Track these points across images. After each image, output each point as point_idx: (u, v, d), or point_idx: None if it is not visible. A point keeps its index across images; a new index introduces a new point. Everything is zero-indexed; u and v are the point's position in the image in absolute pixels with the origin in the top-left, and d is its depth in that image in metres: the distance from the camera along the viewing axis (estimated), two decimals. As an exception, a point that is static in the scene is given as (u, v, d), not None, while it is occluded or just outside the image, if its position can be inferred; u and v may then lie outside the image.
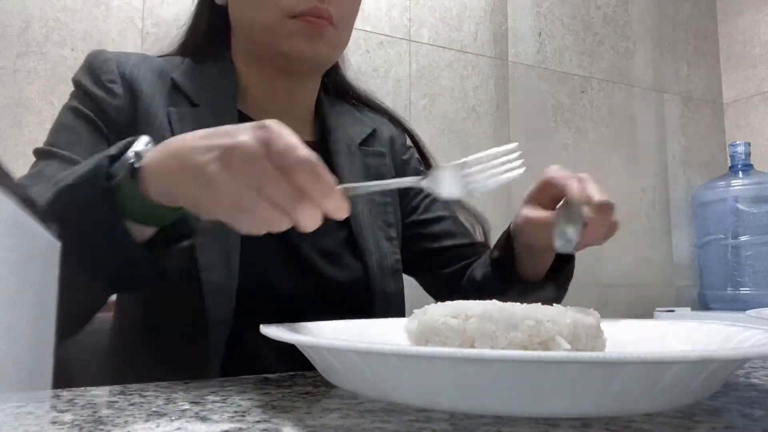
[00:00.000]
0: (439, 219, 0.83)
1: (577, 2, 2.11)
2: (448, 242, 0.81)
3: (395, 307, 0.74)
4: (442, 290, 0.81)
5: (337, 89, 0.84)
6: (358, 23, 1.73)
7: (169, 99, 0.68)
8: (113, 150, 0.47)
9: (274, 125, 0.40)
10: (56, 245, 0.32)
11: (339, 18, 0.68)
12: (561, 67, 2.04)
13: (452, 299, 0.77)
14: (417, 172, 0.84)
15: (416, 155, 0.87)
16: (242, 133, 0.40)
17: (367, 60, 1.68)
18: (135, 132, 0.65)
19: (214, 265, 0.61)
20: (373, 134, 0.81)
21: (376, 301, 0.70)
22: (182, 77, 0.70)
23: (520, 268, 0.69)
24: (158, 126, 0.66)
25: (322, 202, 0.40)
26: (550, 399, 0.29)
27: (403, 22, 1.79)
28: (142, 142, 0.48)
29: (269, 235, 0.67)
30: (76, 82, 0.69)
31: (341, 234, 0.72)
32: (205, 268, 0.61)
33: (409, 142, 0.87)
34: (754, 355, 0.30)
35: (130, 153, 0.47)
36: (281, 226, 0.41)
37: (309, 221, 0.41)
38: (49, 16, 1.37)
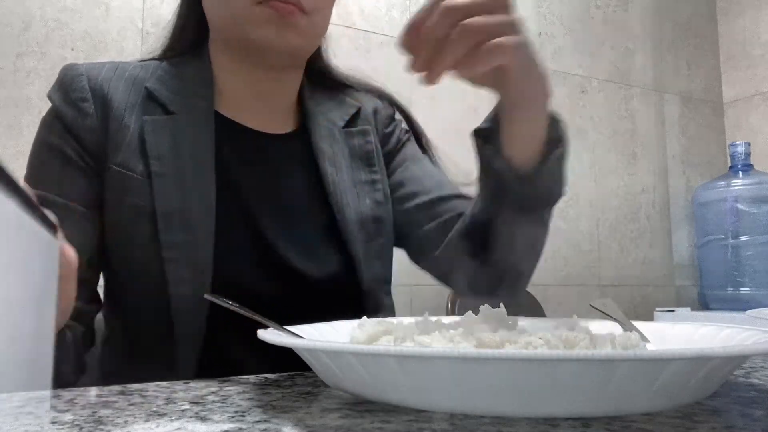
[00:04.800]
0: (403, 180, 0.77)
1: (577, 2, 2.11)
2: (416, 201, 0.74)
3: (384, 293, 0.71)
4: (422, 254, 0.74)
5: (320, 76, 0.80)
6: (358, 23, 1.74)
7: (144, 109, 0.66)
8: None
9: None
10: (56, 245, 0.32)
11: (311, 5, 0.65)
12: (561, 67, 2.04)
13: (433, 261, 0.71)
14: (399, 144, 0.80)
15: (403, 127, 0.82)
16: None
17: (367, 60, 1.68)
18: (106, 153, 0.63)
19: (184, 279, 0.60)
20: (357, 114, 0.77)
21: (364, 288, 0.68)
22: (157, 84, 0.68)
23: (507, 145, 0.57)
24: (129, 141, 0.64)
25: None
26: (550, 398, 0.29)
27: (403, 22, 1.79)
28: None
29: (243, 235, 0.65)
30: (49, 98, 0.66)
31: (321, 222, 0.69)
32: (174, 283, 0.60)
33: (398, 116, 0.83)
34: (751, 353, 0.30)
35: None
36: None
37: None
38: (49, 16, 1.37)
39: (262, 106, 0.72)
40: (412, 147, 0.81)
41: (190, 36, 0.74)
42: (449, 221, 0.70)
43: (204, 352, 0.61)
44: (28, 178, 0.64)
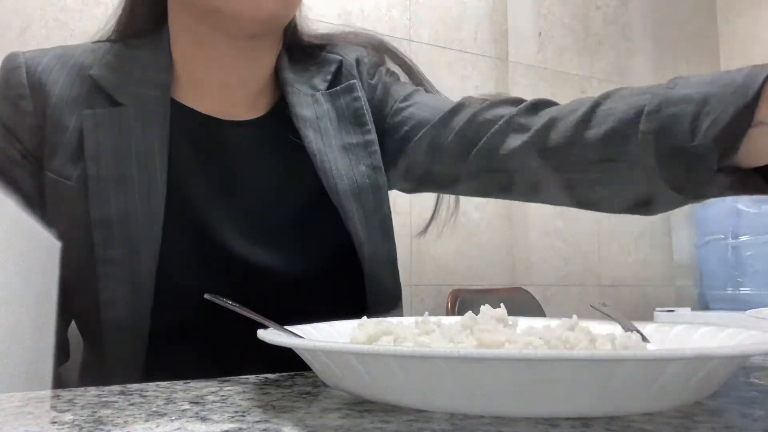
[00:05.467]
0: (406, 108, 0.67)
1: (577, 2, 2.11)
2: (420, 133, 0.64)
3: (390, 276, 0.64)
4: (492, 180, 0.61)
5: (298, 45, 0.69)
6: (358, 23, 1.73)
7: (87, 101, 0.57)
8: None
9: None
10: (56, 245, 0.32)
11: None
12: (561, 67, 2.04)
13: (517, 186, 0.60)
14: (385, 91, 0.70)
15: (385, 69, 0.72)
16: None
17: (367, 60, 1.69)
18: (43, 155, 0.56)
19: (117, 300, 0.53)
20: (339, 69, 0.68)
21: (366, 271, 0.60)
22: (104, 71, 0.59)
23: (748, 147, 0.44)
24: (67, 141, 0.56)
25: None
26: (550, 398, 0.29)
27: (403, 22, 1.79)
28: None
29: (196, 246, 0.56)
30: None
31: (307, 205, 0.61)
32: (107, 304, 0.53)
33: (382, 60, 0.73)
34: (751, 353, 0.30)
35: None
36: None
37: None
38: (49, 16, 1.37)
39: (229, 89, 0.63)
40: (400, 87, 0.70)
41: (148, 11, 0.63)
42: (468, 124, 0.61)
43: (147, 372, 0.55)
44: None
